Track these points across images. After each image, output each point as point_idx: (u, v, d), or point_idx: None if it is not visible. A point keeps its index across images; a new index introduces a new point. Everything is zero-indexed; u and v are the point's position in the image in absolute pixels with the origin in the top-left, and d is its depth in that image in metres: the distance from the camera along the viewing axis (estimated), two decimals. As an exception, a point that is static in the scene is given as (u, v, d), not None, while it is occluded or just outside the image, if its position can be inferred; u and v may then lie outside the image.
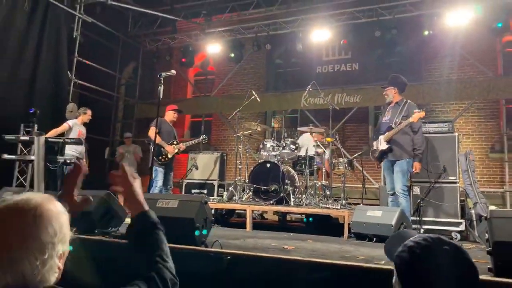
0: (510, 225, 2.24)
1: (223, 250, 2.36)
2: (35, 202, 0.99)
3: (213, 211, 5.44)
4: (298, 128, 6.89)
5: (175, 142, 6.00)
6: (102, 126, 10.61)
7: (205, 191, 7.00)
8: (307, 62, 9.22)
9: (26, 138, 5.96)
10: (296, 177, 5.92)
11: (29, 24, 7.76)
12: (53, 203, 1.02)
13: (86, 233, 3.10)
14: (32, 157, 5.76)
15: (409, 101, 4.74)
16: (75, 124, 6.73)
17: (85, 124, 7.33)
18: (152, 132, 5.86)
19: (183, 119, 10.82)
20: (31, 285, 0.94)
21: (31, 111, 7.41)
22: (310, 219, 6.39)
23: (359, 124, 8.96)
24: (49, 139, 5.68)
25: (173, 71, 4.47)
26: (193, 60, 10.13)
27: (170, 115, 6.10)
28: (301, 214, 7.05)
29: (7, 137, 5.80)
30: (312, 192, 5.59)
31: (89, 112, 6.94)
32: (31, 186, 5.82)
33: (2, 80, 7.29)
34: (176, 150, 5.97)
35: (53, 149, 6.66)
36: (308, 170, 5.82)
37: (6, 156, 5.82)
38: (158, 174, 5.67)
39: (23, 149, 7.15)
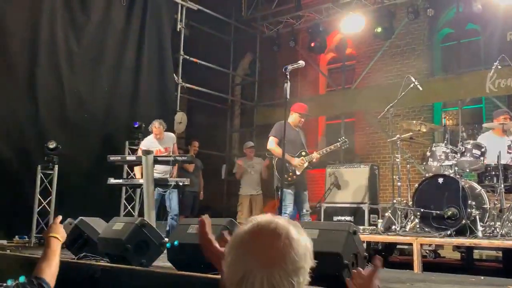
0: None
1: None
2: (289, 224, 1.31)
3: (364, 246, 5.44)
4: (484, 125, 6.48)
5: (303, 153, 6.16)
6: (216, 138, 11.51)
7: (352, 219, 7.03)
8: (492, 27, 8.69)
9: (132, 158, 6.83)
10: (485, 196, 5.59)
11: (128, 20, 8.90)
12: (301, 229, 1.34)
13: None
14: (141, 181, 6.57)
15: None
16: (151, 144, 7.32)
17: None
18: (272, 144, 6.19)
19: (316, 123, 11.05)
20: None
21: (135, 125, 8.49)
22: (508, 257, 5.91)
23: None
24: (159, 158, 6.41)
25: (302, 62, 4.65)
26: (325, 43, 10.36)
27: (295, 119, 6.26)
28: (495, 249, 6.59)
29: (112, 157, 6.69)
30: (510, 217, 5.21)
31: (154, 126, 7.41)
32: (141, 215, 6.62)
33: (101, 89, 8.46)
34: (306, 164, 6.12)
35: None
36: (503, 185, 5.44)
37: (112, 181, 6.73)
38: (287, 197, 5.90)
39: (129, 171, 8.20)
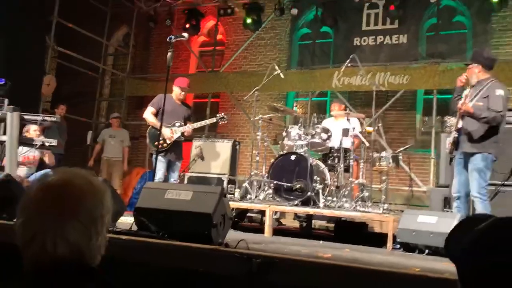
0: None
1: (252, 252, 2.38)
2: (82, 176, 1.19)
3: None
4: (332, 113, 6.87)
5: (177, 124, 5.95)
6: (84, 105, 10.77)
7: (212, 187, 7.03)
8: (342, 32, 9.16)
9: (-6, 113, 6.03)
10: (327, 173, 5.91)
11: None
12: (97, 179, 1.22)
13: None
14: (4, 138, 5.84)
15: (494, 80, 4.51)
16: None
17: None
18: (146, 112, 5.98)
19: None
20: (87, 255, 1.13)
21: (1, 83, 7.54)
22: (340, 227, 6.34)
23: (405, 112, 8.88)
24: (26, 116, 5.75)
25: (186, 34, 4.52)
26: (199, 27, 10.20)
27: (175, 92, 6.03)
28: (328, 220, 7.07)
29: (-27, 112, 5.85)
30: (345, 193, 5.59)
31: None
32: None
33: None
34: (177, 135, 5.92)
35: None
36: (342, 165, 5.83)
37: (-29, 135, 5.87)
38: (158, 164, 5.71)
39: (-11, 127, 7.27)
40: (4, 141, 5.82)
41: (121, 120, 9.81)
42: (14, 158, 5.71)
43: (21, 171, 6.77)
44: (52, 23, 9.12)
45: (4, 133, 6.03)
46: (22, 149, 6.68)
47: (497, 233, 0.88)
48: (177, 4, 10.46)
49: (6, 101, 7.44)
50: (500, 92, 4.38)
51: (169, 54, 4.13)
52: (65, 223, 1.10)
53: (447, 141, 4.80)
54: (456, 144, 4.58)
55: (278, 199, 5.67)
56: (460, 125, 4.51)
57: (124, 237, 2.80)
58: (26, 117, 5.95)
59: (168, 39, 4.19)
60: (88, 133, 10.80)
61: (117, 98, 11.47)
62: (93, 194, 1.16)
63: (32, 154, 6.86)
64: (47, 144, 6.15)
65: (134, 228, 3.21)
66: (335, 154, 6.05)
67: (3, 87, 7.52)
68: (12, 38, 7.91)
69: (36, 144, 6.12)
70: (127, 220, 3.82)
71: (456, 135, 4.55)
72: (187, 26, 9.89)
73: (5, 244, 1.91)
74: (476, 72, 4.53)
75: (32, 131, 6.76)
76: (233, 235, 4.61)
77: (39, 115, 6.14)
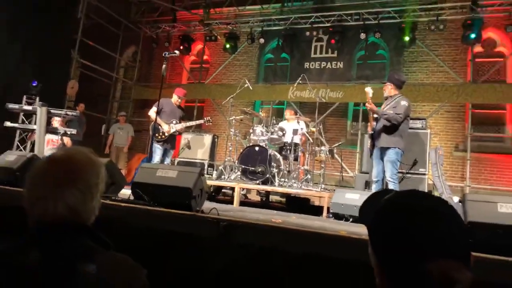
0: (482, 207, 2.28)
1: (220, 217, 2.32)
2: (82, 152, 1.12)
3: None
4: (286, 117, 6.85)
5: (174, 122, 5.83)
6: (100, 104, 10.43)
7: (196, 170, 6.89)
8: (296, 58, 9.15)
9: (29, 108, 5.73)
10: (281, 161, 5.89)
11: (37, 8, 7.46)
12: (95, 155, 1.15)
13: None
14: (34, 126, 5.56)
15: (402, 95, 4.58)
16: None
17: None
18: (151, 111, 5.80)
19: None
20: (83, 215, 1.05)
21: (34, 84, 7.16)
22: (290, 201, 6.37)
23: (339, 118, 8.99)
24: (52, 111, 5.48)
25: (177, 52, 4.37)
26: (190, 49, 10.01)
27: (174, 98, 5.94)
28: (281, 196, 7.06)
29: (11, 105, 5.54)
30: (294, 175, 5.60)
31: None
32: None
33: (10, 55, 6.98)
34: (173, 130, 5.80)
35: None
36: (292, 155, 5.81)
37: (9, 123, 5.56)
38: (156, 151, 5.58)
39: (24, 119, 6.92)
40: (35, 129, 5.56)
41: (127, 117, 9.67)
42: (42, 142, 5.44)
43: (49, 151, 6.50)
44: (77, 41, 8.77)
45: (35, 123, 5.80)
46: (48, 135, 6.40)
47: (395, 203, 0.84)
48: (174, 31, 10.20)
49: (37, 98, 7.15)
50: (404, 103, 4.46)
51: (163, 66, 4.00)
52: (65, 190, 1.02)
53: (368, 142, 4.85)
54: (372, 139, 4.65)
55: (244, 179, 5.62)
56: (373, 125, 4.60)
57: (123, 204, 2.68)
58: (52, 111, 5.69)
59: (163, 55, 4.05)
60: (102, 126, 10.48)
61: (125, 100, 11.12)
62: (91, 166, 1.08)
63: (57, 138, 6.56)
64: (68, 132, 5.91)
65: (132, 198, 3.08)
66: (288, 147, 6.03)
67: (35, 88, 7.21)
68: (45, 52, 7.57)
69: (60, 132, 5.87)
70: (126, 192, 3.69)
71: (371, 133, 4.62)
72: (181, 48, 9.70)
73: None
74: (389, 88, 4.62)
75: (56, 122, 6.47)
76: (209, 205, 4.54)
77: (62, 110, 5.86)
